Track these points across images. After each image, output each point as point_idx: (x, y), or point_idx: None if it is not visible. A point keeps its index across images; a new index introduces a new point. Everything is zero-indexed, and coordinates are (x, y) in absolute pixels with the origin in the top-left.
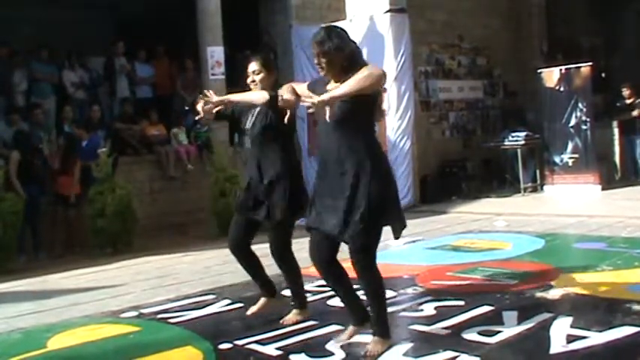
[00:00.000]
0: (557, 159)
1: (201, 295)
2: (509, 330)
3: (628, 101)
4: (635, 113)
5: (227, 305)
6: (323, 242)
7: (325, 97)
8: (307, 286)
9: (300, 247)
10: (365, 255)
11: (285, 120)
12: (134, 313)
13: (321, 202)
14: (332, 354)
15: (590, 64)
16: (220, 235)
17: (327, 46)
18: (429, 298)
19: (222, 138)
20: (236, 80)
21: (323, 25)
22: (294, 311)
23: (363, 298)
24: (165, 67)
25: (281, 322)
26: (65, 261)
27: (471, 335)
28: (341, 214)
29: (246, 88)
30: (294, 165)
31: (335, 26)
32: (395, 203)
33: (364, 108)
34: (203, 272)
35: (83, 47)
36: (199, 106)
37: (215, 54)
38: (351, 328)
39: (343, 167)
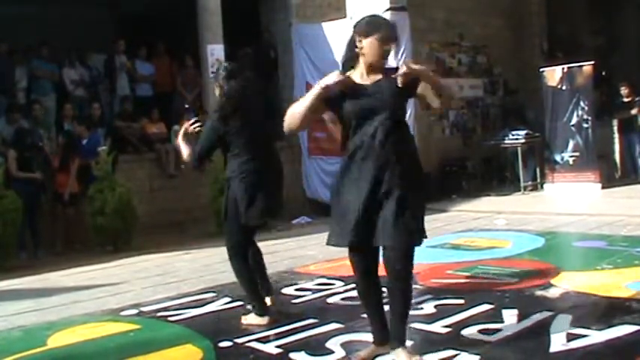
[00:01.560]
0: (557, 157)
1: (201, 293)
2: (509, 328)
3: (626, 99)
4: (633, 111)
5: (227, 303)
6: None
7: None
8: (307, 284)
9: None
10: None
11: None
12: (134, 311)
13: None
14: (332, 352)
15: (593, 62)
16: (219, 234)
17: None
18: (428, 296)
19: None
20: None
21: (381, 14)
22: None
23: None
24: (166, 65)
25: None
26: (65, 259)
27: (471, 333)
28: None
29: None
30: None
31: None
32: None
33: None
34: (203, 270)
35: (84, 45)
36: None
37: (215, 52)
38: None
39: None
